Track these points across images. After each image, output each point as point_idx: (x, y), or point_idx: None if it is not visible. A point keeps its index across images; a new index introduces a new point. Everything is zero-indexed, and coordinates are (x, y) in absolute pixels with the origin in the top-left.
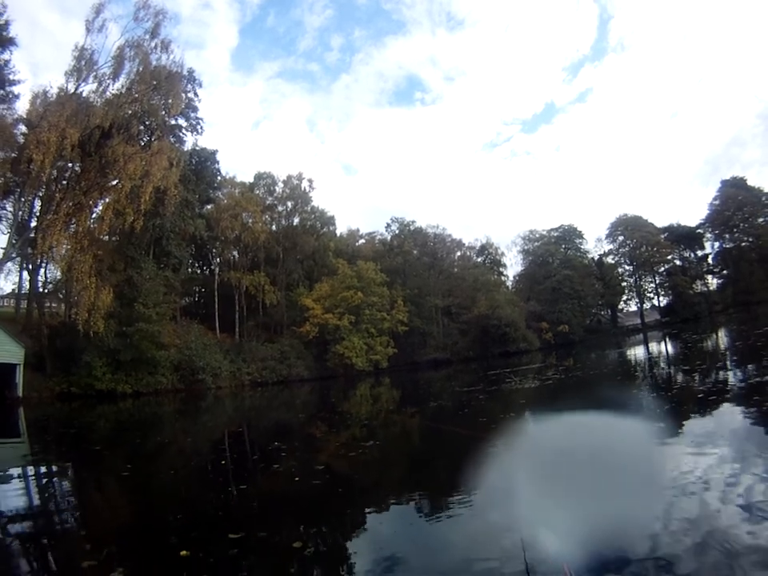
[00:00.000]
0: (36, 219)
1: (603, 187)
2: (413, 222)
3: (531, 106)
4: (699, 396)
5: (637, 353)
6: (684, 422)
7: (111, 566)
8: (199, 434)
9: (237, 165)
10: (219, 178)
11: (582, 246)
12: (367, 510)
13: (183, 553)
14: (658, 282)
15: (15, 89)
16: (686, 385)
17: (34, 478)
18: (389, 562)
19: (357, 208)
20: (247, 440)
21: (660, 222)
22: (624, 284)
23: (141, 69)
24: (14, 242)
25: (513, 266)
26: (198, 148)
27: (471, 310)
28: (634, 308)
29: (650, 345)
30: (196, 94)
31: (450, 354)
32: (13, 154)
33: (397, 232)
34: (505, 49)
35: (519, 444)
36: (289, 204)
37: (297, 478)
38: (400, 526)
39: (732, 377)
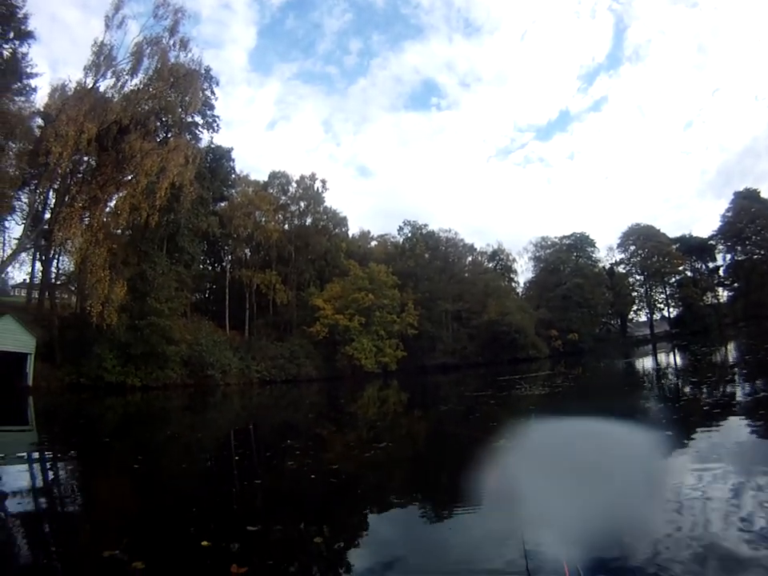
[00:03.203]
0: (50, 211)
1: (616, 196)
2: (425, 225)
3: (546, 114)
4: (706, 408)
5: (645, 363)
6: (690, 434)
7: (132, 555)
8: (209, 429)
9: (251, 163)
10: (234, 176)
11: (594, 255)
12: (385, 510)
13: (204, 543)
14: (668, 292)
15: (33, 82)
16: (693, 397)
17: (44, 467)
18: (406, 560)
19: (369, 210)
20: (259, 437)
21: (672, 232)
22: (634, 294)
23: (159, 66)
24: (28, 233)
25: (524, 273)
26: (213, 146)
27: (481, 316)
28: (643, 318)
29: (658, 356)
30: (213, 92)
31: (459, 359)
32: (29, 146)
33: (409, 235)
34: (521, 56)
35: (526, 450)
36: (302, 204)
37: (312, 476)
38: (418, 525)
39: (740, 391)
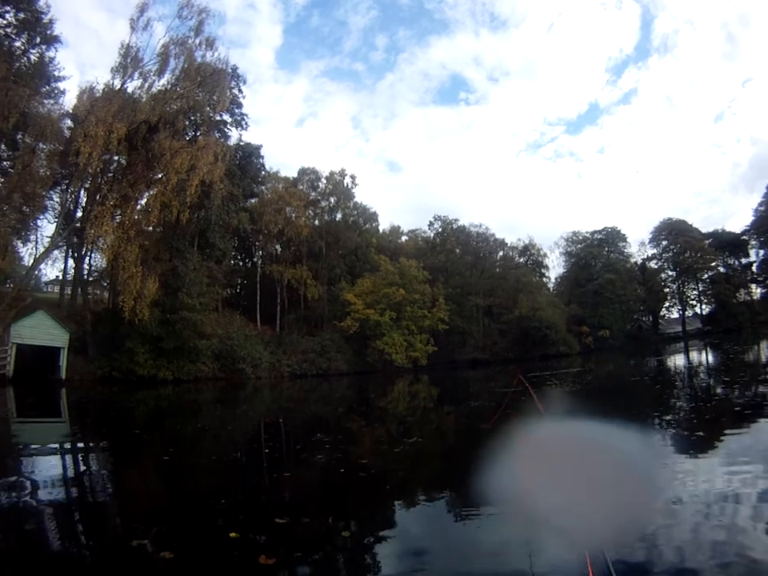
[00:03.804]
0: (82, 210)
1: (647, 190)
2: (456, 220)
3: (575, 107)
4: (737, 409)
5: (677, 361)
6: (720, 435)
7: (161, 545)
8: (239, 422)
9: (281, 160)
10: (263, 172)
11: (625, 250)
12: (414, 506)
13: (233, 534)
14: (700, 289)
15: (61, 85)
16: (724, 397)
17: (76, 458)
18: (432, 557)
19: (400, 205)
20: (288, 430)
21: (704, 227)
22: (666, 290)
23: (186, 65)
24: (60, 231)
25: (555, 268)
26: (242, 143)
27: (512, 311)
28: (675, 315)
29: (690, 354)
30: (240, 91)
31: (490, 355)
32: (60, 147)
33: (440, 230)
34: (548, 49)
35: (554, 447)
36: (332, 199)
37: (341, 470)
38: (446, 522)
39: None
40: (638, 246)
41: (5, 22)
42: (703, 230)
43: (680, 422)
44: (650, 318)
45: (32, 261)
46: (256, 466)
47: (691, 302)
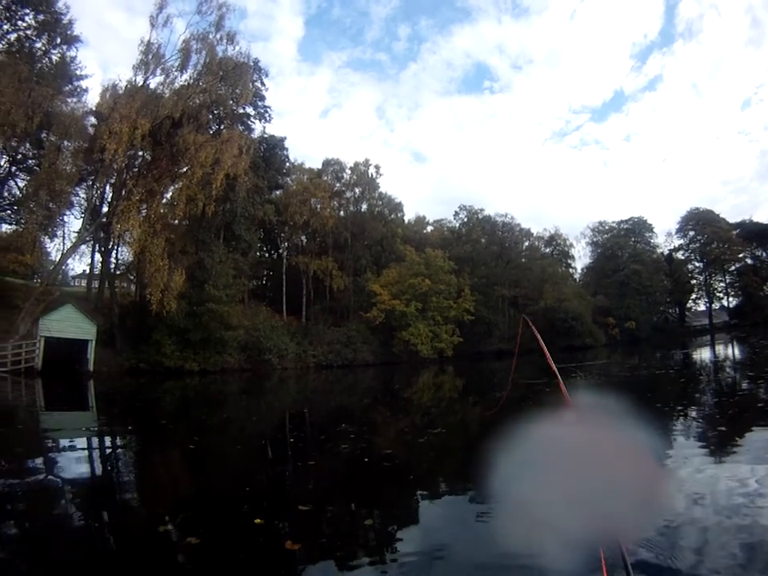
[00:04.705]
0: (108, 205)
1: (673, 179)
2: (481, 210)
3: (600, 94)
4: (761, 405)
5: (703, 355)
6: (743, 431)
7: (187, 531)
8: (265, 412)
9: (306, 152)
10: (288, 164)
11: (652, 240)
12: (437, 497)
13: (257, 521)
14: (728, 281)
15: (83, 83)
16: (749, 392)
17: (103, 447)
18: (453, 548)
19: (425, 195)
20: (313, 420)
21: (732, 217)
22: (693, 282)
23: (207, 60)
24: (87, 226)
25: (581, 259)
26: (266, 135)
27: (538, 302)
28: (702, 307)
29: (716, 347)
30: (263, 83)
31: (515, 346)
32: (84, 145)
33: (465, 220)
34: (571, 36)
35: (574, 439)
36: (356, 190)
37: (366, 459)
38: (469, 514)
39: None
40: (665, 236)
41: (24, 24)
42: (730, 220)
43: (704, 417)
44: (677, 310)
45: (59, 256)
46: (281, 455)
47: (718, 294)
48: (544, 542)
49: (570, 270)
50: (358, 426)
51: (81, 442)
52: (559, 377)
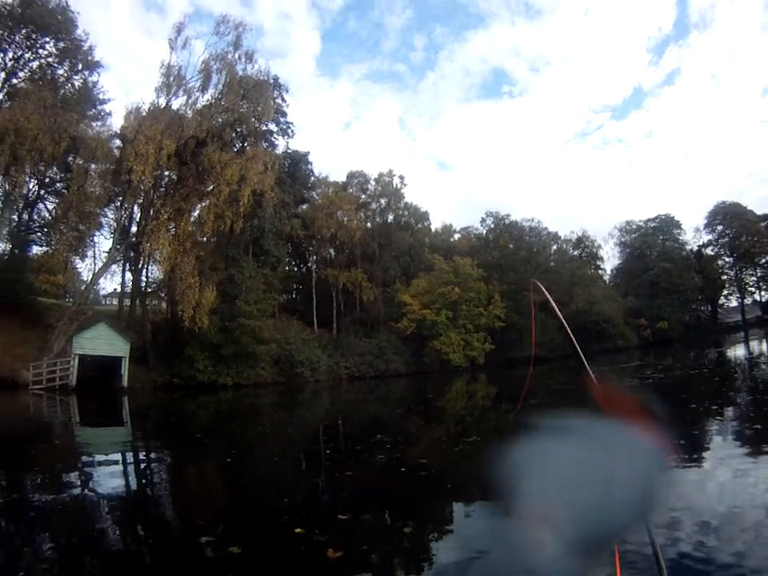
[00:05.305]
0: (137, 225)
1: (698, 173)
2: (507, 215)
3: (619, 92)
4: None
5: (737, 352)
6: None
7: (228, 541)
8: (299, 425)
9: (330, 165)
10: (312, 178)
11: (680, 237)
12: (473, 505)
13: (298, 530)
14: (759, 274)
15: (107, 107)
16: None
17: (139, 461)
18: (490, 557)
19: (450, 203)
20: (348, 432)
21: (760, 209)
22: (724, 277)
23: (228, 80)
24: (117, 246)
25: (610, 260)
26: (290, 151)
27: (568, 306)
28: (734, 303)
29: (750, 344)
30: (283, 99)
31: (547, 351)
32: (111, 167)
33: (492, 226)
34: (586, 34)
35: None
36: (382, 201)
37: (402, 469)
38: (505, 523)
39: None
40: (693, 232)
41: (45, 52)
42: (758, 212)
43: (738, 416)
44: (709, 308)
45: (90, 276)
46: (317, 466)
47: (750, 288)
48: (569, 545)
49: (600, 272)
50: (393, 436)
51: (117, 457)
52: (581, 352)
